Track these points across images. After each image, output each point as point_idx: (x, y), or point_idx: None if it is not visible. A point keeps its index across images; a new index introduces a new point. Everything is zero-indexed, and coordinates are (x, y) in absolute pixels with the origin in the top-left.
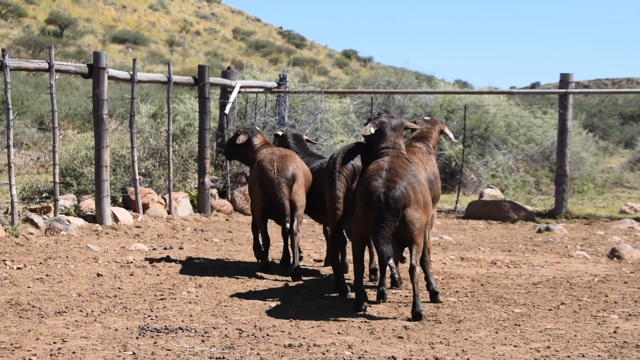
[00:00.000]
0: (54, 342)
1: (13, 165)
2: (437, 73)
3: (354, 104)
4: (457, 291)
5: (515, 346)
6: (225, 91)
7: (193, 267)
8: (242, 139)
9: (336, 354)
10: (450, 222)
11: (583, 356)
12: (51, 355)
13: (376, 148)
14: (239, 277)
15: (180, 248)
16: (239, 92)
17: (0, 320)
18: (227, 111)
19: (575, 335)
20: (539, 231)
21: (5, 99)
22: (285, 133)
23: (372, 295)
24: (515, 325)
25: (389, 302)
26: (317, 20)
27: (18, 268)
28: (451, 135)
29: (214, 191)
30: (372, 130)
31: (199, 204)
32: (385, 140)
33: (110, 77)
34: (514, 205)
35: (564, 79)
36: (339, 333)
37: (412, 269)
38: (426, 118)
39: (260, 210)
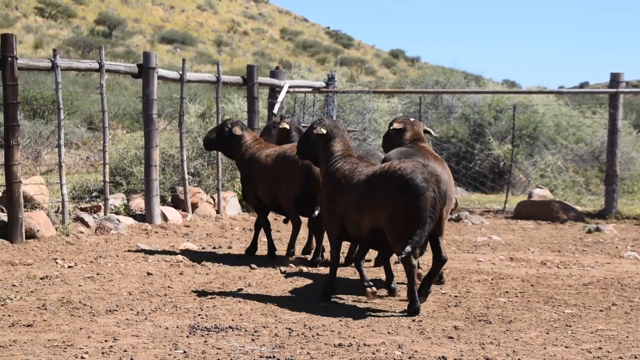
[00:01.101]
0: (105, 340)
1: (64, 165)
2: (485, 73)
3: (402, 103)
4: (507, 291)
5: (566, 347)
6: (274, 91)
7: (242, 266)
8: (238, 130)
9: (386, 353)
10: (499, 222)
11: (635, 357)
12: (103, 353)
13: (330, 150)
14: (288, 276)
15: (229, 247)
16: (287, 91)
17: (53, 318)
18: (275, 111)
19: (627, 337)
20: (589, 232)
21: (57, 99)
22: (291, 126)
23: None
24: (566, 326)
25: (438, 302)
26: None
27: (69, 267)
28: (434, 133)
29: None
30: (323, 131)
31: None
32: (338, 142)
33: (159, 77)
34: (564, 206)
35: (614, 79)
36: (388, 333)
37: (444, 261)
38: (412, 119)
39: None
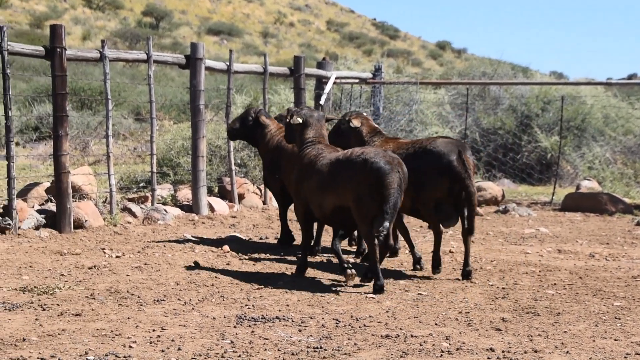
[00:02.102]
0: (153, 330)
1: (111, 155)
2: (532, 64)
3: (448, 95)
4: (554, 284)
5: (615, 340)
6: (320, 82)
7: (289, 257)
8: (264, 119)
9: (433, 345)
10: (546, 215)
11: None
12: (150, 342)
13: (303, 138)
14: (335, 267)
15: (276, 238)
16: (334, 83)
17: (101, 308)
18: (322, 102)
19: None
20: (638, 224)
21: (105, 90)
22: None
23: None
24: (616, 318)
25: (486, 293)
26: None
27: (117, 256)
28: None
29: None
30: (300, 120)
31: None
32: (312, 130)
33: (207, 68)
34: (612, 198)
35: None
36: (435, 324)
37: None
38: (364, 113)
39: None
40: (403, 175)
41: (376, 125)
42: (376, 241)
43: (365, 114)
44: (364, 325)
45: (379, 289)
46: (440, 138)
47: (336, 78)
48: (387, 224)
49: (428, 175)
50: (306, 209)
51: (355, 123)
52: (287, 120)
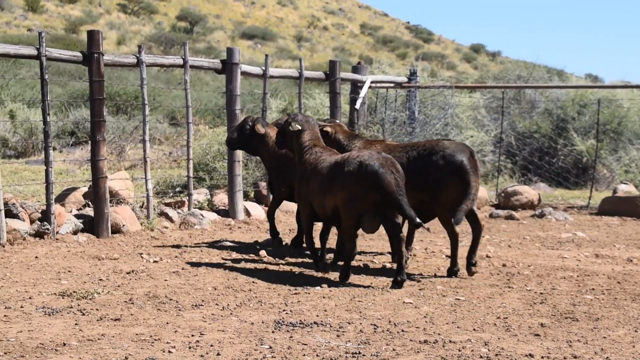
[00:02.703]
0: (192, 335)
1: (148, 160)
2: (567, 67)
3: (484, 98)
4: (593, 289)
5: None
6: (356, 86)
7: (326, 261)
8: (261, 129)
9: (472, 350)
10: (583, 219)
11: None
12: (189, 347)
13: (301, 142)
14: (372, 272)
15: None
16: (369, 87)
17: (140, 313)
18: (357, 106)
19: None
20: None
21: (142, 95)
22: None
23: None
24: None
25: (524, 298)
26: (445, 14)
27: (154, 261)
28: None
29: None
30: (298, 127)
31: None
32: (308, 134)
33: (242, 73)
34: None
35: None
36: (474, 330)
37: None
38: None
39: None
40: (399, 174)
41: (351, 130)
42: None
43: (338, 121)
44: (402, 331)
45: (344, 280)
46: (445, 140)
47: (371, 82)
48: (417, 220)
49: (442, 176)
50: (310, 211)
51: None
52: (283, 126)
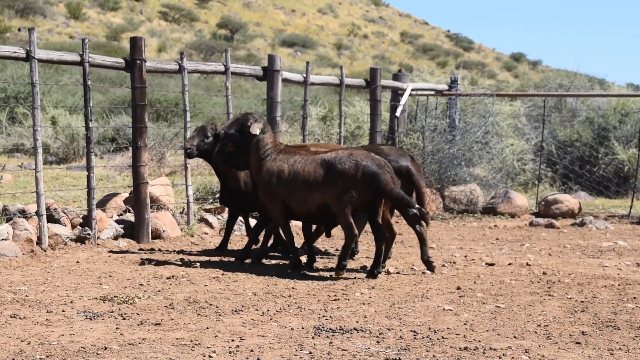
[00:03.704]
0: (232, 340)
1: (189, 166)
2: (608, 76)
3: (524, 106)
4: (634, 297)
5: None
6: (396, 94)
7: (365, 268)
8: (256, 130)
9: (513, 358)
10: (624, 228)
11: None
12: (230, 352)
13: (263, 144)
14: (411, 279)
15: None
16: (410, 94)
17: (180, 318)
18: (398, 114)
19: None
20: None
21: (183, 102)
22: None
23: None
24: None
25: (564, 307)
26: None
27: (194, 267)
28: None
29: None
30: (258, 131)
31: None
32: (269, 136)
33: (283, 80)
34: None
35: None
36: (514, 337)
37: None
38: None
39: None
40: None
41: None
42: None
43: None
44: (442, 338)
45: (342, 270)
46: (383, 146)
47: (412, 90)
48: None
49: None
50: (284, 211)
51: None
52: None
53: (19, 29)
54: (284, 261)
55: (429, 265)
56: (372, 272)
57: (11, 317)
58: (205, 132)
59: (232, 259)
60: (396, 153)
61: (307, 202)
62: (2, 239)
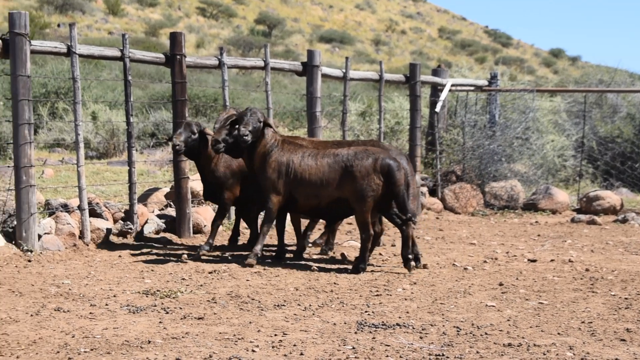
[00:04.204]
0: (275, 335)
1: None
2: None
3: (565, 102)
4: None
5: None
6: (436, 89)
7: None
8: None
9: (557, 354)
10: None
11: None
12: (273, 347)
13: (270, 136)
14: (453, 274)
15: (393, 245)
16: (449, 90)
17: (222, 312)
18: (438, 109)
19: None
20: None
21: (223, 96)
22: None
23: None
24: None
25: (608, 303)
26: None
27: (236, 261)
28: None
29: (424, 189)
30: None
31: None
32: (272, 128)
33: (322, 75)
34: None
35: None
36: (558, 334)
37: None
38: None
39: None
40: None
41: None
42: (372, 231)
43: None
44: (486, 334)
45: (361, 271)
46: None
47: (452, 85)
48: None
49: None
50: (283, 202)
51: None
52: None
53: (59, 25)
54: (323, 257)
55: (406, 262)
56: (357, 267)
57: (55, 310)
58: (192, 129)
59: (241, 253)
60: (395, 151)
61: (319, 196)
62: (45, 233)
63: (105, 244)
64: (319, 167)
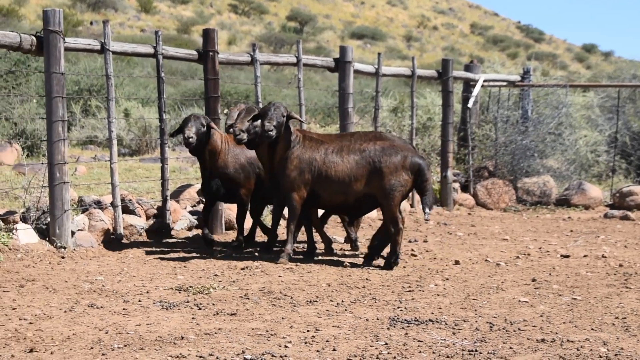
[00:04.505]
0: (307, 330)
1: None
2: None
3: (598, 97)
4: None
5: None
6: (468, 85)
7: (438, 260)
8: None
9: (591, 350)
10: None
11: None
12: (305, 342)
13: (290, 131)
14: (485, 270)
15: (425, 241)
16: (482, 85)
17: (255, 308)
18: (470, 105)
19: None
20: None
21: (255, 93)
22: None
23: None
24: None
25: None
26: (557, 13)
27: (268, 258)
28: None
29: (456, 185)
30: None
31: (441, 198)
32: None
33: (355, 71)
34: None
35: None
36: (592, 329)
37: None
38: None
39: None
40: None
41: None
42: (401, 225)
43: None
44: (519, 329)
45: (394, 266)
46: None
47: (484, 81)
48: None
49: None
50: (305, 199)
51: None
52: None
53: (91, 23)
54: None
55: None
56: (389, 263)
57: (89, 306)
58: (202, 121)
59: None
60: (400, 141)
61: (346, 193)
62: (79, 230)
63: (138, 240)
64: (345, 164)
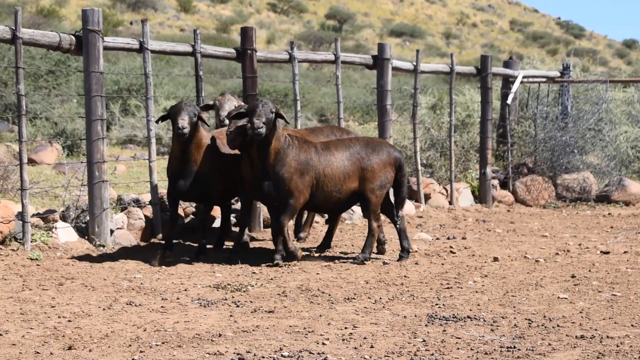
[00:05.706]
0: (345, 328)
1: None
2: None
3: (638, 93)
4: None
5: None
6: (507, 81)
7: (477, 257)
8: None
9: (631, 346)
10: None
11: None
12: (343, 340)
13: (279, 130)
14: (524, 267)
15: (463, 238)
16: (521, 82)
17: (293, 305)
18: (509, 101)
19: None
20: None
21: (294, 91)
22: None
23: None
24: None
25: None
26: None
27: (305, 255)
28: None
29: (495, 182)
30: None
31: (480, 195)
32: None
33: (393, 68)
34: None
35: None
36: (632, 325)
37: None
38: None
39: None
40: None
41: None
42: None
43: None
44: (558, 326)
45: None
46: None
47: (523, 77)
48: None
49: None
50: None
51: None
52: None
53: (131, 23)
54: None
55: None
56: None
57: (127, 304)
58: (194, 110)
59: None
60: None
61: (340, 191)
62: (118, 228)
63: (177, 238)
64: (339, 162)
